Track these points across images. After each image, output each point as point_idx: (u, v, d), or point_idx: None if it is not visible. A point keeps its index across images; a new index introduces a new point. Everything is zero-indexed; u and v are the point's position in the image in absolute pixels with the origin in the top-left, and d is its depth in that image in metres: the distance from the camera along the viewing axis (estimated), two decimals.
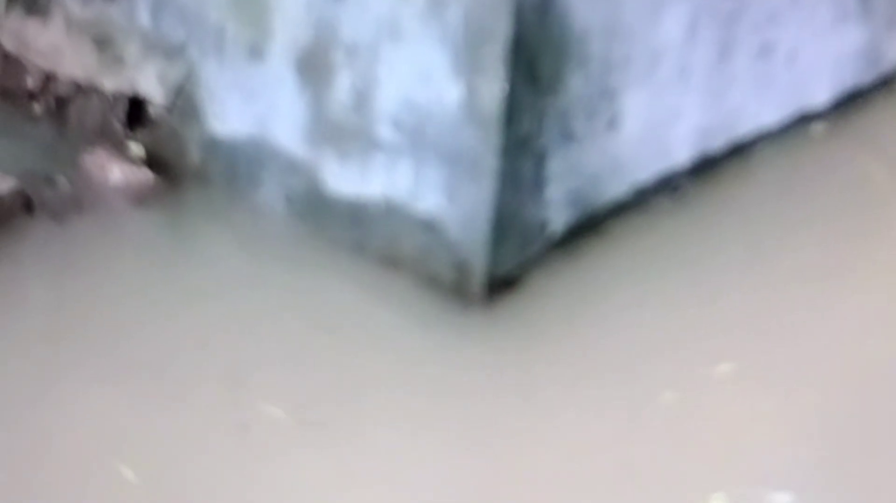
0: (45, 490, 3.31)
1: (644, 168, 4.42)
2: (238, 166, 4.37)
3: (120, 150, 4.46)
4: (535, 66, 3.89)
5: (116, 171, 4.39)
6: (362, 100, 4.06)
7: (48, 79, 4.59)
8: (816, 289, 4.19)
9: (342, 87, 4.08)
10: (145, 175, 4.41)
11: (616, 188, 4.34)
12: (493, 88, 3.82)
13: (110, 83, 4.52)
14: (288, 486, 3.37)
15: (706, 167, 4.62)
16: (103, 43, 4.53)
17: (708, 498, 3.40)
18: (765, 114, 4.81)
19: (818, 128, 4.95)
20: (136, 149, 4.48)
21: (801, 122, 4.96)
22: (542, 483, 3.45)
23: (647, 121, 4.36)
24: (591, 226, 4.28)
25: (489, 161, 3.89)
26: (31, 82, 4.62)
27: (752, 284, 4.18)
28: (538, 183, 4.07)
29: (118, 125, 4.51)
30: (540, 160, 4.04)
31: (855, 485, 3.48)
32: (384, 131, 4.04)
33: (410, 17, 3.90)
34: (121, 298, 3.92)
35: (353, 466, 3.45)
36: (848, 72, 5.13)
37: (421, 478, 3.43)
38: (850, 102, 5.14)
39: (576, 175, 4.18)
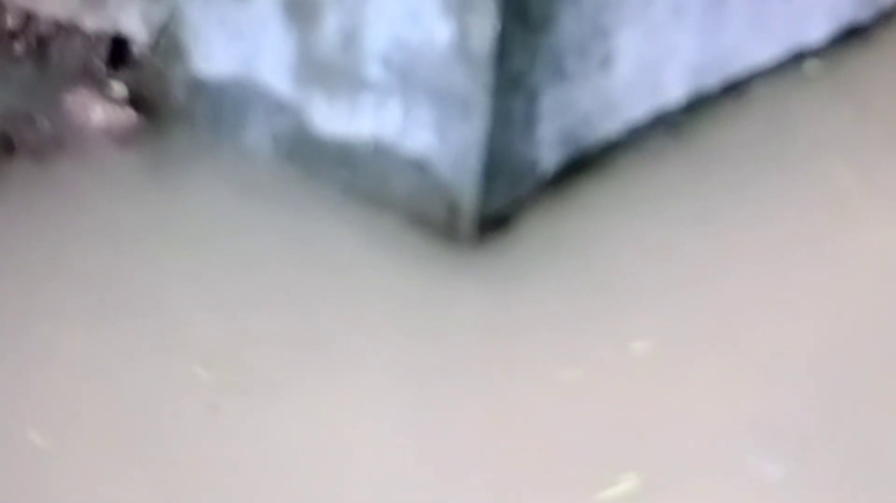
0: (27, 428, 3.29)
1: (637, 106, 4.38)
2: (223, 107, 4.32)
3: (102, 90, 4.40)
4: (527, 4, 3.83)
5: (99, 112, 4.33)
6: (350, 39, 4.00)
7: (29, 18, 4.51)
8: (809, 229, 4.15)
9: (330, 26, 4.03)
10: (128, 115, 4.36)
11: (608, 126, 4.30)
12: (484, 27, 3.77)
13: (92, 22, 4.45)
14: (274, 426, 3.36)
15: (700, 105, 4.57)
16: None
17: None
18: (760, 51, 4.75)
19: (814, 65, 4.90)
20: (118, 89, 4.42)
21: (797, 59, 4.90)
22: (525, 424, 3.44)
23: (641, 59, 4.30)
24: (582, 164, 4.24)
25: (480, 100, 3.85)
26: (11, 22, 4.54)
27: (745, 222, 4.14)
28: (529, 122, 4.02)
29: (100, 65, 4.44)
30: (531, 99, 3.99)
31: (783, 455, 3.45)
32: (373, 71, 3.99)
33: None
34: (104, 240, 3.88)
35: (344, 405, 3.43)
36: (845, 8, 5.07)
37: (409, 415, 3.43)
38: (848, 39, 5.07)
39: (568, 113, 4.13)
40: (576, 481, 3.31)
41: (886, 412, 3.54)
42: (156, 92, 4.43)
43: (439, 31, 3.85)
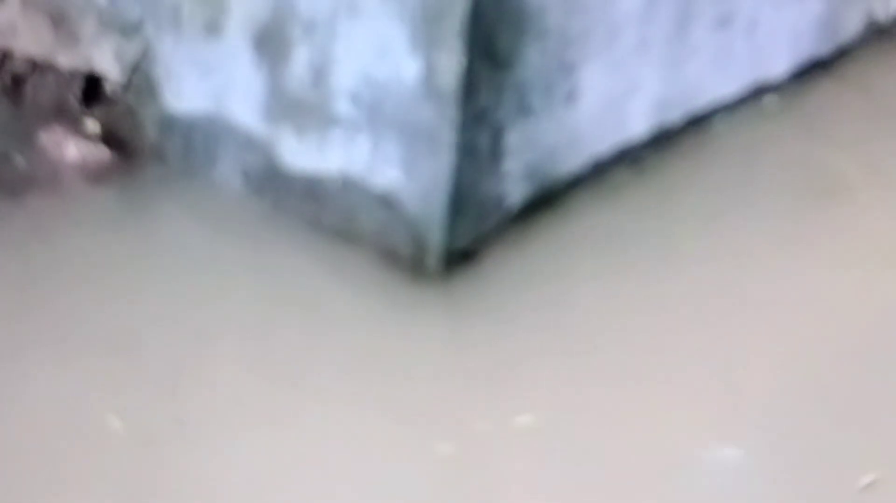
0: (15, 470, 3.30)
1: (602, 141, 4.43)
2: (195, 143, 4.36)
3: (76, 128, 4.43)
4: (493, 41, 3.88)
5: (73, 149, 4.37)
6: (320, 75, 4.05)
7: (4, 57, 4.55)
8: (772, 262, 4.19)
9: (299, 62, 4.08)
10: (101, 152, 4.39)
11: (574, 161, 4.35)
12: (451, 63, 3.81)
13: (66, 61, 4.50)
14: (241, 460, 3.37)
15: (664, 139, 4.63)
16: (59, 20, 4.49)
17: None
18: (723, 85, 4.83)
19: (775, 100, 4.97)
20: (92, 126, 4.45)
21: (759, 93, 4.98)
22: (489, 455, 3.45)
23: (606, 94, 4.36)
24: (548, 199, 4.28)
25: (447, 135, 3.89)
26: None
27: (709, 256, 4.18)
28: (495, 157, 4.07)
29: (74, 102, 4.48)
30: (497, 134, 4.04)
31: None
32: (342, 106, 4.04)
33: None
34: (77, 276, 3.90)
35: (307, 442, 3.43)
36: (806, 43, 5.14)
37: (374, 454, 3.42)
38: (808, 74, 5.16)
39: (533, 148, 4.19)
40: None
41: None
42: (128, 129, 4.46)
43: (407, 68, 3.89)
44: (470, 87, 3.86)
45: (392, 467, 3.40)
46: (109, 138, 4.44)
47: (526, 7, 3.94)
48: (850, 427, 3.63)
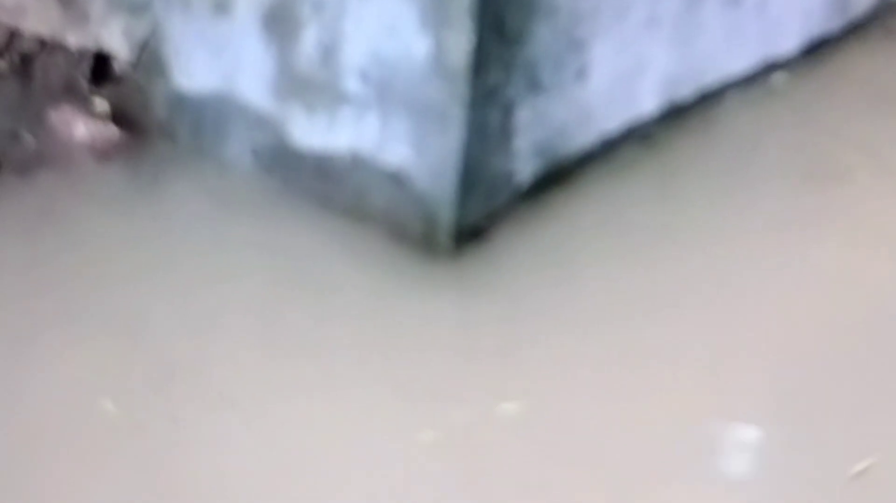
0: (13, 452, 3.29)
1: (612, 118, 4.42)
2: (204, 121, 4.36)
3: (85, 107, 4.43)
4: (503, 18, 3.87)
5: (82, 128, 4.37)
6: (329, 53, 4.04)
7: (12, 35, 4.55)
8: (777, 243, 4.18)
9: (309, 40, 4.06)
10: (111, 131, 4.39)
11: (584, 138, 4.34)
12: (461, 40, 3.80)
13: (75, 39, 4.49)
14: (257, 437, 3.36)
15: (674, 116, 4.62)
16: None
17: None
18: (733, 62, 4.81)
19: (786, 76, 4.96)
20: (101, 105, 4.45)
21: (770, 70, 4.97)
22: (509, 432, 3.45)
23: (616, 71, 4.35)
24: (558, 176, 4.28)
25: (456, 112, 3.88)
26: None
27: (715, 237, 4.16)
28: (505, 134, 4.06)
29: (83, 81, 4.48)
30: (507, 111, 4.03)
31: None
32: (351, 84, 4.03)
33: None
34: (88, 255, 3.90)
35: (323, 419, 3.43)
36: (816, 19, 5.12)
37: (387, 430, 3.42)
38: (819, 50, 5.15)
39: (543, 125, 4.18)
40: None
41: None
42: (137, 107, 4.46)
43: (416, 46, 3.88)
44: (479, 64, 3.84)
45: (395, 446, 3.39)
46: (118, 117, 4.44)
47: None
48: (848, 411, 3.61)
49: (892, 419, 3.58)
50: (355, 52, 4.00)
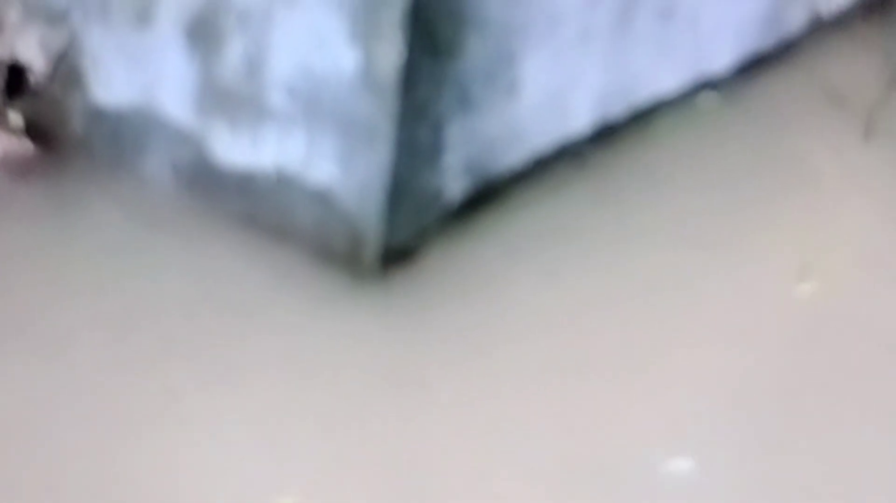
0: None
1: (543, 135, 4.39)
2: (123, 136, 4.26)
3: None
4: (434, 32, 3.82)
5: None
6: (254, 67, 3.97)
7: None
8: (714, 257, 4.19)
9: (233, 53, 3.98)
10: (26, 146, 4.30)
11: (515, 156, 4.30)
12: (390, 54, 3.75)
13: None
14: (168, 466, 3.29)
15: (606, 134, 4.60)
16: None
17: None
18: (665, 79, 4.80)
19: (719, 93, 4.96)
20: (15, 118, 4.35)
21: (702, 87, 4.96)
22: (429, 455, 3.42)
23: (547, 86, 4.32)
24: (488, 194, 4.23)
25: (385, 129, 3.82)
26: None
27: (649, 253, 4.16)
28: (435, 151, 4.01)
29: None
30: (437, 127, 3.98)
31: None
32: (277, 99, 3.96)
33: None
34: (2, 273, 3.80)
35: (242, 442, 3.38)
36: (749, 36, 5.13)
37: (313, 449, 3.39)
38: (752, 68, 5.15)
39: (473, 142, 4.13)
40: None
41: None
42: (54, 121, 4.37)
43: (345, 59, 3.82)
44: (409, 79, 3.79)
45: (319, 468, 3.34)
46: (34, 131, 4.34)
47: None
48: (801, 429, 3.63)
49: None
50: (282, 66, 3.93)
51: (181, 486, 3.26)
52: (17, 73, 4.37)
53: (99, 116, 4.29)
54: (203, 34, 4.03)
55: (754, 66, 5.16)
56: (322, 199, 3.97)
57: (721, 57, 5.01)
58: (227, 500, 3.25)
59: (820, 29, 5.46)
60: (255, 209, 4.09)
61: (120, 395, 3.48)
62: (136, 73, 4.18)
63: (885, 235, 4.41)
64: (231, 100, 4.05)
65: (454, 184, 4.13)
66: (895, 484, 3.50)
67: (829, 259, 4.23)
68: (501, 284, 3.99)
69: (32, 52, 4.34)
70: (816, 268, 4.16)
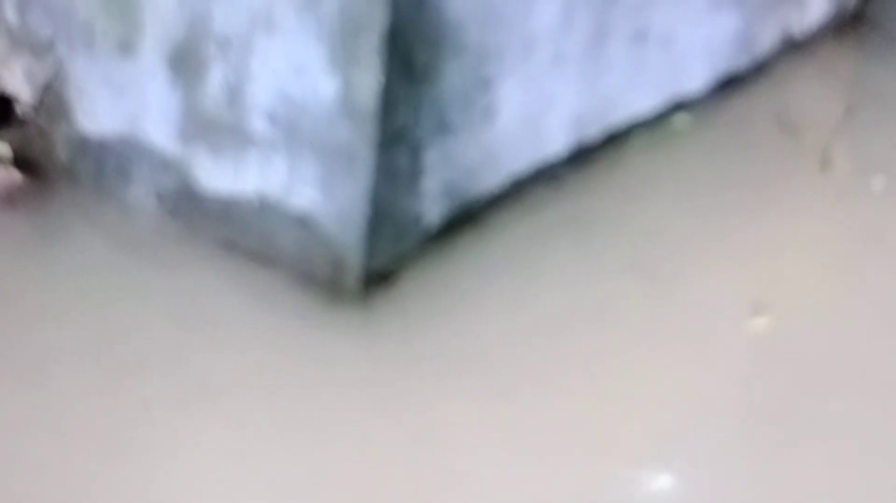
0: None
1: (520, 158, 4.43)
2: (108, 165, 4.30)
3: None
4: (411, 58, 3.87)
5: None
6: (235, 94, 4.01)
7: None
8: (692, 277, 4.22)
9: (215, 81, 4.03)
10: (12, 175, 4.33)
11: (492, 179, 4.34)
12: (369, 80, 3.79)
13: None
14: (169, 490, 3.31)
15: (581, 156, 4.64)
16: None
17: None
18: (639, 100, 4.85)
19: (692, 114, 5.00)
20: (2, 148, 4.37)
21: (676, 108, 5.00)
22: (413, 481, 3.43)
23: (523, 110, 4.36)
24: (467, 218, 4.27)
25: (364, 154, 3.87)
26: None
27: (629, 275, 4.19)
28: (414, 175, 4.05)
29: None
30: (415, 152, 4.02)
31: None
32: (258, 126, 4.00)
33: (284, 8, 3.85)
34: None
35: (224, 469, 3.40)
36: (722, 57, 5.18)
37: (293, 474, 3.40)
38: (725, 88, 5.20)
39: (451, 166, 4.17)
40: None
41: None
42: (40, 151, 4.39)
43: (324, 86, 3.86)
44: (388, 104, 3.84)
45: (301, 490, 3.37)
46: (20, 161, 4.37)
47: (444, 22, 3.93)
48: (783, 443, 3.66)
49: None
50: (262, 93, 3.97)
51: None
52: (3, 104, 4.40)
53: (84, 145, 4.33)
54: (185, 63, 4.07)
55: (727, 87, 5.21)
56: (303, 224, 4.01)
57: (694, 78, 5.06)
58: None
59: (792, 49, 5.55)
60: (237, 235, 4.12)
61: (100, 418, 3.49)
62: (121, 102, 4.22)
63: (837, 270, 4.43)
64: (213, 127, 4.09)
65: (433, 207, 4.17)
66: None
67: (784, 293, 4.25)
68: (479, 306, 4.01)
69: (18, 83, 4.38)
70: (771, 302, 4.17)
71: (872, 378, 3.93)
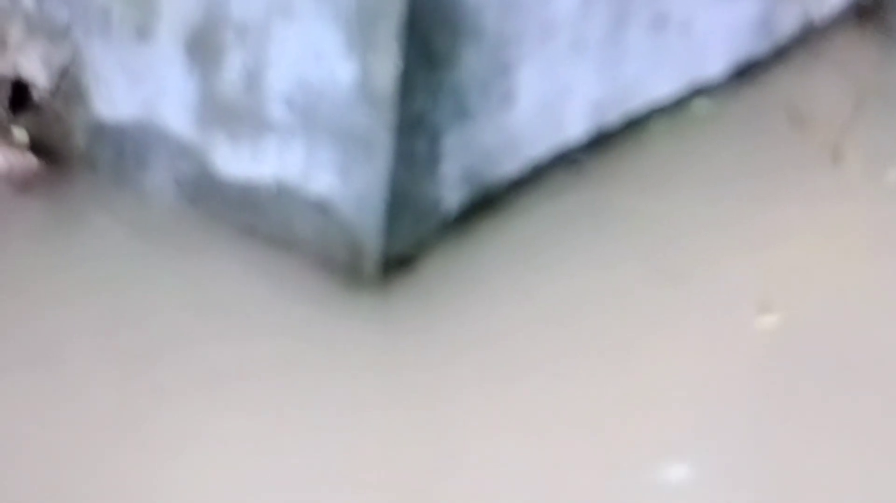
0: None
1: (539, 143, 4.41)
2: (125, 150, 4.29)
3: (2, 136, 4.36)
4: (429, 43, 3.86)
5: None
6: (253, 80, 4.00)
7: None
8: (709, 264, 4.19)
9: (233, 67, 4.02)
10: (29, 161, 4.33)
11: (511, 164, 4.33)
12: (387, 66, 3.78)
13: None
14: (185, 476, 3.32)
15: (601, 141, 4.62)
16: None
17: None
18: (659, 86, 4.82)
19: (712, 99, 4.97)
20: (19, 134, 4.38)
21: (696, 93, 4.97)
22: (431, 467, 3.43)
23: (542, 95, 4.34)
24: (486, 203, 4.26)
25: (383, 139, 3.86)
26: None
27: (647, 260, 4.17)
28: (432, 160, 4.04)
29: (0, 110, 4.40)
30: (434, 137, 4.01)
31: None
32: (276, 111, 3.99)
33: None
34: (4, 287, 3.83)
35: (240, 452, 3.40)
36: (742, 42, 5.14)
37: (312, 460, 3.40)
38: (745, 73, 5.17)
39: (470, 152, 4.16)
40: None
41: None
42: (57, 136, 4.39)
43: (342, 71, 3.85)
44: (406, 90, 3.83)
45: (320, 477, 3.37)
46: (37, 146, 4.37)
47: (462, 7, 3.91)
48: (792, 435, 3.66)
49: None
50: (280, 79, 3.96)
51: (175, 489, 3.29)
52: (20, 89, 4.40)
53: (101, 131, 4.32)
54: (202, 48, 4.07)
55: (747, 73, 5.17)
56: (322, 209, 4.00)
57: (714, 63, 5.03)
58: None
59: (812, 35, 5.50)
60: (255, 220, 4.11)
61: (116, 404, 3.51)
62: (138, 87, 4.22)
63: (847, 265, 4.38)
64: (231, 113, 4.08)
65: (452, 193, 4.16)
66: None
67: (800, 282, 4.23)
68: (498, 291, 4.01)
69: (35, 68, 4.37)
70: (785, 293, 4.16)
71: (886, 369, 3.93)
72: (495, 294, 3.99)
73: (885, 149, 4.89)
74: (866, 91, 5.01)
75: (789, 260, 4.30)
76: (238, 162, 4.10)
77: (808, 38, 5.43)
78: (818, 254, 4.35)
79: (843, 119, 4.85)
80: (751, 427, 3.68)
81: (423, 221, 4.09)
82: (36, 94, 4.39)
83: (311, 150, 3.97)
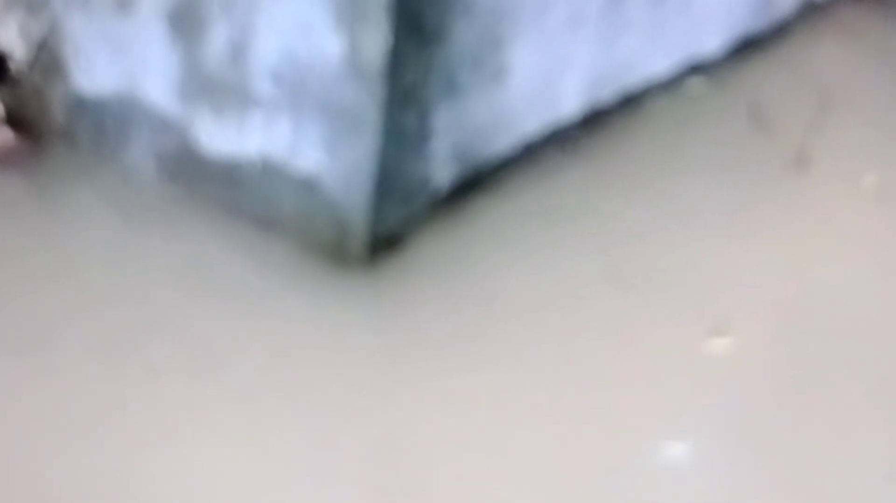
0: None
1: (532, 120, 4.35)
2: (105, 125, 4.22)
3: None
4: (420, 16, 3.78)
5: None
6: (239, 53, 3.92)
7: None
8: (703, 242, 4.18)
9: (217, 39, 3.94)
10: (6, 135, 4.25)
11: (503, 142, 4.27)
12: (376, 40, 3.70)
13: None
14: (170, 459, 3.25)
15: (596, 119, 4.57)
16: None
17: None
18: (656, 62, 4.78)
19: (709, 77, 4.94)
20: None
21: (693, 70, 4.94)
22: (419, 447, 3.39)
23: (536, 71, 4.28)
24: (477, 181, 4.20)
25: (371, 115, 3.78)
26: None
27: (640, 240, 4.14)
28: (422, 137, 3.97)
29: None
30: (424, 114, 3.94)
31: None
32: (262, 86, 3.91)
33: None
34: None
35: (232, 431, 3.34)
36: (740, 19, 5.11)
37: (299, 442, 3.35)
38: (743, 50, 5.14)
39: (461, 128, 4.09)
40: None
41: None
42: (35, 110, 4.32)
43: (330, 45, 3.77)
44: (396, 64, 3.75)
45: (308, 459, 3.31)
46: (15, 120, 4.29)
47: None
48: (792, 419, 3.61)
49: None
50: (266, 52, 3.88)
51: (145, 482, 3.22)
52: None
53: (81, 104, 4.25)
54: (186, 20, 3.98)
55: (745, 50, 5.14)
56: (308, 186, 3.93)
57: (711, 40, 5.00)
58: (210, 485, 3.22)
59: (813, 12, 5.46)
60: (240, 197, 4.05)
61: (100, 384, 3.44)
62: (118, 60, 4.14)
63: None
64: (215, 87, 4.00)
65: (442, 170, 4.09)
66: None
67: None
68: (490, 271, 3.96)
69: (13, 40, 4.30)
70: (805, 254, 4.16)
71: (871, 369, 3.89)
72: (485, 275, 3.94)
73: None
74: (867, 69, 5.00)
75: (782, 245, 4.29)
76: (222, 138, 4.02)
77: (809, 14, 5.41)
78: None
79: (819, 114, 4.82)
80: (721, 428, 3.63)
81: (412, 200, 4.02)
82: (13, 67, 4.32)
83: (298, 126, 3.89)
